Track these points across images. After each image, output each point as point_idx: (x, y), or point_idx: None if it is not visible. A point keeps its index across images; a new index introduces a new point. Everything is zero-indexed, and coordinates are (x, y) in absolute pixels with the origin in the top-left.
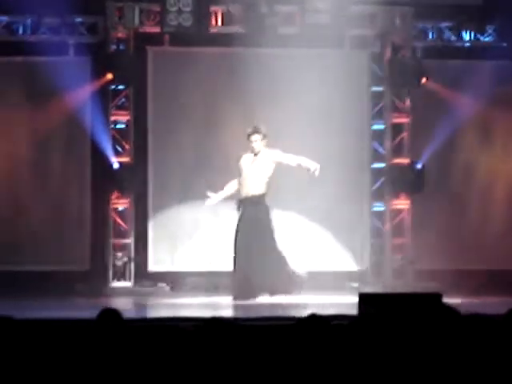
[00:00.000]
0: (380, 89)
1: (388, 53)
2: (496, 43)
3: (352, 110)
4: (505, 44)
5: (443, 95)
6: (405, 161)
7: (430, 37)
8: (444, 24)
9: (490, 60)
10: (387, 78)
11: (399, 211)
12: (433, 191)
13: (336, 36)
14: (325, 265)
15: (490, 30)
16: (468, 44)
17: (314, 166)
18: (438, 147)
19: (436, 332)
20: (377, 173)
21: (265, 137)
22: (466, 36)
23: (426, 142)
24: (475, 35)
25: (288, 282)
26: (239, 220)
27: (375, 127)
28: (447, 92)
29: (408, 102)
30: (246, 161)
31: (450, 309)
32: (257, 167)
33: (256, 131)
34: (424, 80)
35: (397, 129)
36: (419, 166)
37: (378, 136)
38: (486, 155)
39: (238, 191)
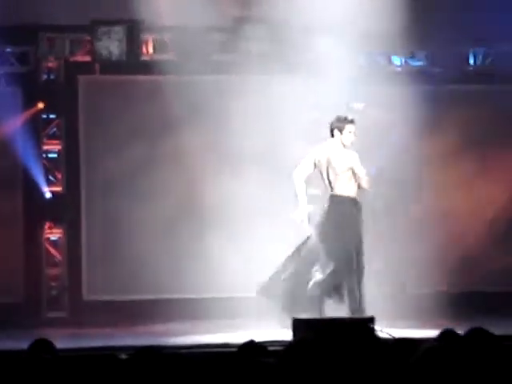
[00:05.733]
0: None
1: None
2: (427, 68)
3: None
4: (436, 69)
5: (376, 120)
6: None
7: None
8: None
9: (421, 84)
10: None
11: None
12: None
13: None
14: None
15: (420, 54)
16: (399, 69)
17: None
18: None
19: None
20: None
21: None
22: (397, 61)
23: None
24: (405, 60)
25: None
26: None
27: None
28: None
29: None
30: (332, 154)
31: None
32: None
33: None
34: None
35: None
36: None
37: None
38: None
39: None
